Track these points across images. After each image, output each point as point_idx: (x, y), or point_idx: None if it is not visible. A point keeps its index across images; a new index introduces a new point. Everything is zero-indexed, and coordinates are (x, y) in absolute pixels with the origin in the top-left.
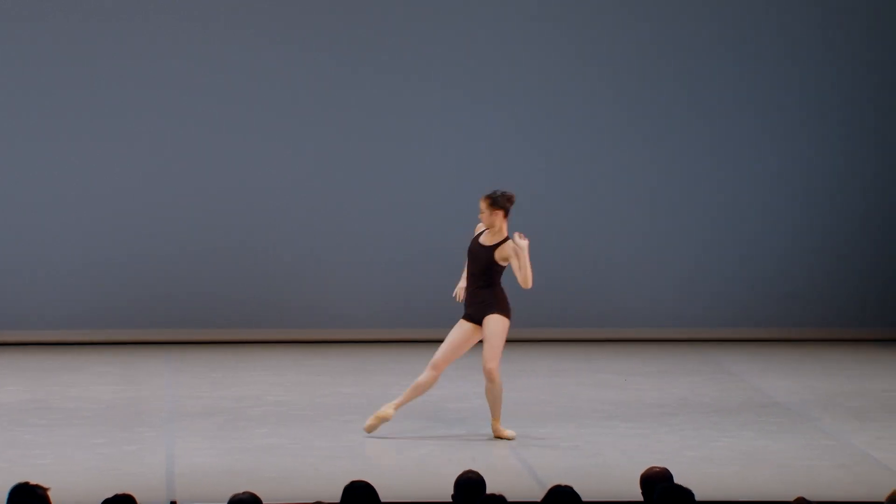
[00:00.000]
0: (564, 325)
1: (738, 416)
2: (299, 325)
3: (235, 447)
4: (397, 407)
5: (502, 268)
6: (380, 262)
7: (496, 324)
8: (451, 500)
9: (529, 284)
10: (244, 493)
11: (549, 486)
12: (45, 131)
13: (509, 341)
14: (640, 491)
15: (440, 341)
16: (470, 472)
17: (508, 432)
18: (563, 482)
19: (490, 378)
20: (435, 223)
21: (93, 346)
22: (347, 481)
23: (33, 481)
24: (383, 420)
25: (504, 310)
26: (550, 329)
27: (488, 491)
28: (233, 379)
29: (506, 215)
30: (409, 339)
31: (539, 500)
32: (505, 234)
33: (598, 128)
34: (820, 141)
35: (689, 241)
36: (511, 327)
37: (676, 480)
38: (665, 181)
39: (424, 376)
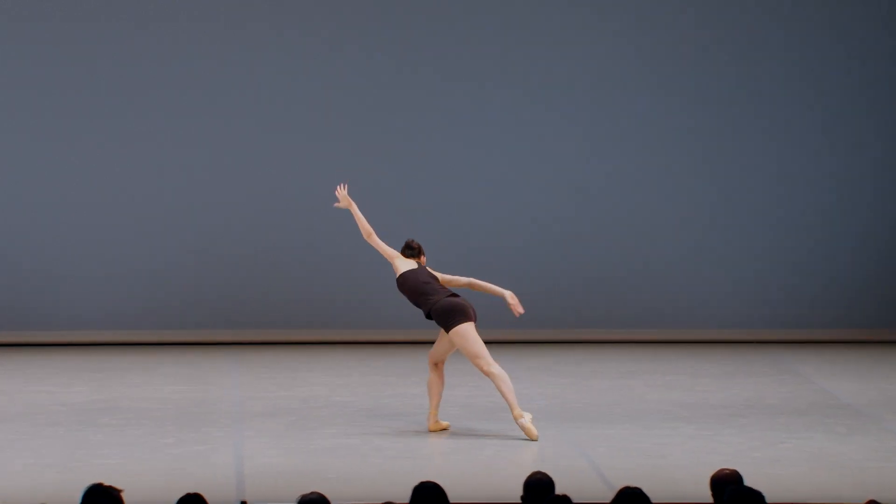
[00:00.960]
0: (633, 326)
1: (805, 417)
2: (364, 325)
3: (303, 447)
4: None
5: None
6: (438, 264)
7: (466, 332)
8: (520, 501)
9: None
10: (312, 493)
11: (618, 487)
12: (109, 133)
13: (583, 342)
14: (709, 493)
15: (501, 342)
16: (539, 472)
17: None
18: (632, 483)
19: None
20: (488, 223)
21: (161, 347)
22: (415, 482)
23: (105, 482)
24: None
25: (462, 318)
26: (619, 330)
27: (556, 492)
28: (299, 379)
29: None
30: None
31: (608, 501)
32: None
33: (660, 126)
34: (888, 140)
35: (756, 241)
36: (580, 328)
37: (745, 483)
38: (729, 180)
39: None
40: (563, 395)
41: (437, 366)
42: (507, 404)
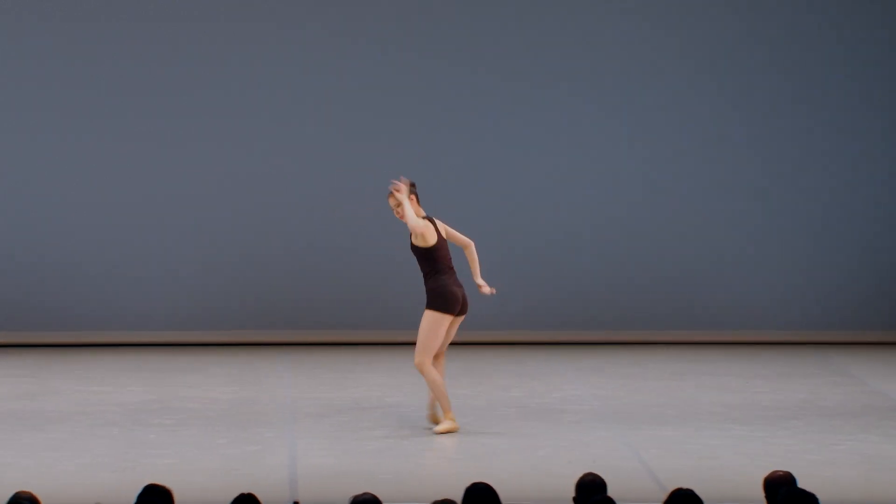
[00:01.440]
0: (683, 327)
1: (859, 419)
2: (416, 326)
3: (355, 448)
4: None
5: (424, 251)
6: (492, 263)
7: (424, 318)
8: (572, 502)
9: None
10: (364, 493)
11: (670, 489)
12: (160, 134)
13: (634, 343)
14: (762, 494)
15: (552, 343)
16: (591, 473)
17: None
18: (684, 485)
19: (420, 371)
20: (535, 224)
21: (214, 348)
22: (467, 483)
23: (158, 482)
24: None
25: (432, 304)
26: (669, 331)
27: (609, 493)
28: (350, 380)
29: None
30: (528, 342)
31: (660, 503)
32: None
33: (709, 126)
34: None
35: (808, 241)
36: (630, 329)
37: (798, 485)
38: (779, 179)
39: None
40: (615, 396)
41: (436, 359)
42: (432, 404)
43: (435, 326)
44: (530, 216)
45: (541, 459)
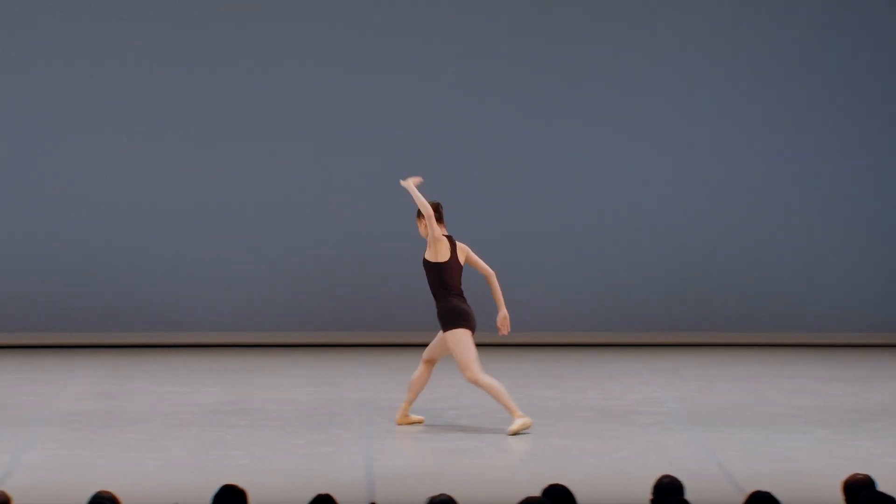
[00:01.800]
0: (760, 329)
1: None
2: (492, 328)
3: (431, 449)
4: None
5: (434, 267)
6: (568, 265)
7: (449, 340)
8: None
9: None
10: (441, 494)
11: (748, 491)
12: (244, 135)
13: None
14: (841, 498)
15: (627, 345)
16: (668, 476)
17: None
18: (762, 488)
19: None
20: (608, 225)
21: (291, 349)
22: (544, 484)
23: (236, 483)
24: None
25: (449, 324)
26: (747, 333)
27: (686, 495)
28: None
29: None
30: (605, 343)
31: None
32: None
33: (785, 126)
34: None
35: (888, 242)
36: (706, 331)
37: (878, 488)
38: (859, 179)
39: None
40: (692, 398)
41: (429, 364)
42: (507, 410)
43: (463, 341)
44: (607, 217)
45: (618, 461)
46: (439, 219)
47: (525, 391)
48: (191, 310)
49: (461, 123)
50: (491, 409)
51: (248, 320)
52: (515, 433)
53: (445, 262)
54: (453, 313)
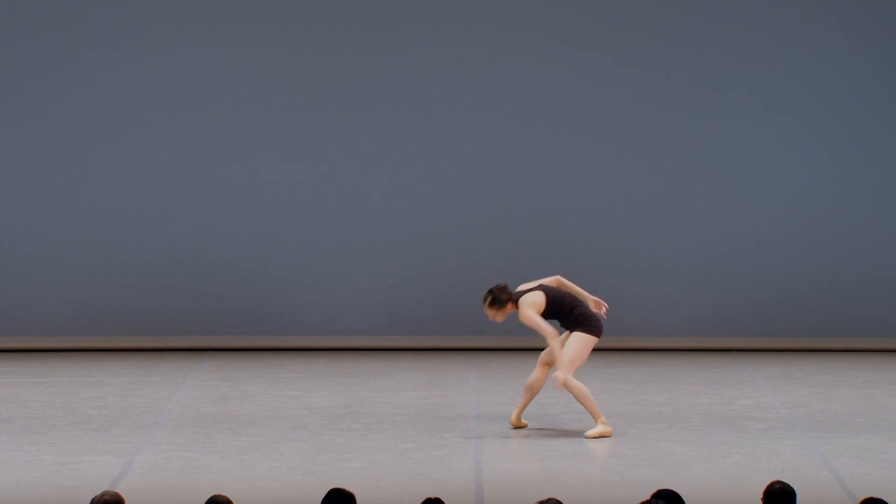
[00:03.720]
0: (877, 334)
1: None
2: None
3: (541, 453)
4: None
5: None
6: (681, 269)
7: (575, 337)
8: None
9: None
10: (550, 499)
11: (861, 498)
12: (346, 136)
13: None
14: None
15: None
16: (780, 482)
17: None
18: (876, 495)
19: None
20: (714, 229)
21: (402, 353)
22: (654, 489)
23: (347, 486)
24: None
25: (583, 327)
26: (862, 338)
27: (798, 502)
28: None
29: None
30: (716, 348)
31: None
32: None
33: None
34: None
35: None
36: (820, 336)
37: None
38: None
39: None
40: (805, 403)
41: (546, 366)
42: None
43: (587, 347)
44: (720, 220)
45: (729, 467)
46: (509, 297)
47: (637, 396)
48: (303, 314)
49: (579, 125)
50: (604, 413)
51: (360, 324)
52: (594, 437)
53: (547, 304)
54: (589, 318)
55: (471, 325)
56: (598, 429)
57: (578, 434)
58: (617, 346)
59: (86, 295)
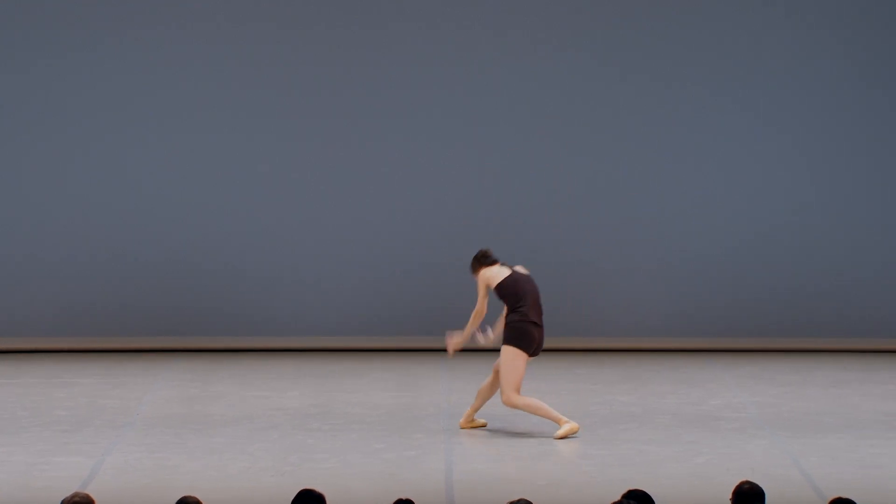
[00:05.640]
0: (845, 334)
1: None
2: (571, 332)
3: (512, 454)
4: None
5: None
6: (651, 271)
7: (503, 353)
8: None
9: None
10: (520, 499)
11: (830, 497)
12: (342, 134)
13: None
14: None
15: (715, 350)
16: (749, 482)
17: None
18: (845, 494)
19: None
20: (700, 231)
21: (372, 353)
22: (624, 489)
23: (318, 487)
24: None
25: (509, 339)
26: (831, 339)
27: (768, 501)
28: None
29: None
30: (686, 349)
31: None
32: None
33: (870, 129)
34: None
35: None
36: (789, 336)
37: None
38: None
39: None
40: (774, 403)
41: (498, 374)
42: (553, 420)
43: (518, 366)
44: (691, 224)
45: (699, 467)
46: (492, 262)
47: (605, 396)
48: (274, 314)
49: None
50: (573, 413)
51: (331, 325)
52: (562, 437)
53: (500, 284)
54: (517, 330)
55: (441, 326)
56: (564, 429)
57: (549, 434)
58: (586, 346)
59: (55, 296)
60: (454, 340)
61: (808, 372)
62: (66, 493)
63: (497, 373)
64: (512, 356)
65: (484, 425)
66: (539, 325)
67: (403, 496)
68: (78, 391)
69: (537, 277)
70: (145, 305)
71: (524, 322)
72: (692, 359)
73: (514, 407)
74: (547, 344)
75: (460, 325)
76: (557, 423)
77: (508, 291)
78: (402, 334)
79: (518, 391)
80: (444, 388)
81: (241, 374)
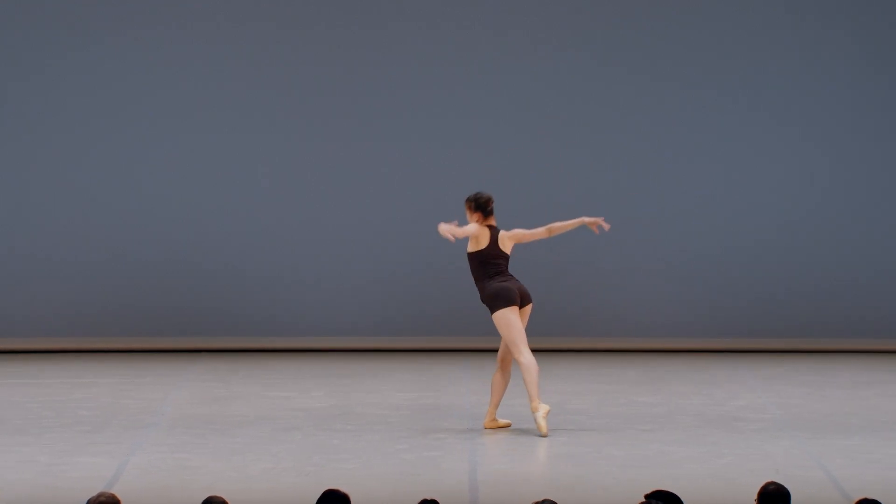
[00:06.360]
0: (869, 335)
1: None
2: (594, 333)
3: (535, 454)
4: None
5: (473, 256)
6: (675, 270)
7: (495, 322)
8: None
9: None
10: (545, 500)
11: (855, 499)
12: (349, 136)
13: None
14: None
15: (734, 350)
16: (774, 483)
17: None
18: (870, 495)
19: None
20: (711, 230)
21: (395, 353)
22: (647, 490)
23: (341, 487)
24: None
25: (493, 306)
26: (855, 339)
27: (792, 503)
28: None
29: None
30: (709, 349)
31: None
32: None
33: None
34: None
35: None
36: (812, 337)
37: None
38: None
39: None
40: (798, 404)
41: (504, 364)
42: (528, 394)
43: (508, 321)
44: (713, 221)
45: (722, 468)
46: (490, 213)
47: (629, 396)
48: (296, 315)
49: (563, 128)
50: (596, 414)
51: (353, 325)
52: (538, 423)
53: (480, 251)
54: (494, 294)
55: (463, 326)
56: (539, 414)
57: (572, 435)
58: (610, 346)
59: (78, 297)
60: (450, 227)
61: (831, 373)
62: (90, 494)
63: (502, 361)
64: (503, 320)
65: (508, 425)
66: (507, 279)
67: (428, 497)
68: (100, 391)
69: (540, 277)
70: (167, 306)
71: (492, 284)
72: (714, 359)
73: (520, 364)
74: (569, 344)
75: (461, 325)
76: (531, 401)
77: (490, 256)
78: (424, 334)
79: (525, 344)
80: (466, 389)
81: (263, 374)
